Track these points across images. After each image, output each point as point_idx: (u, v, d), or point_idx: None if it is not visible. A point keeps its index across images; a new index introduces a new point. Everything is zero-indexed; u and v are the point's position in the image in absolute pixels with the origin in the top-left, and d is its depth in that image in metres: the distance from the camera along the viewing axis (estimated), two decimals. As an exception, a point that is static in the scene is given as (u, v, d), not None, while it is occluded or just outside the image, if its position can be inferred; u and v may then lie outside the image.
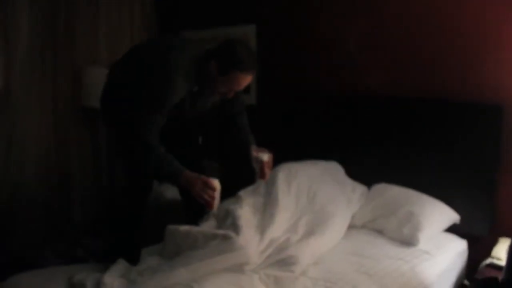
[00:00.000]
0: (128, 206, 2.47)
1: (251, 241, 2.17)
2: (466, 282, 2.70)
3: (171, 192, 3.43)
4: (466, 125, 2.75)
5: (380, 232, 2.72)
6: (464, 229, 2.75)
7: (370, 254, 2.41)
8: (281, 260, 2.15)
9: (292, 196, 2.62)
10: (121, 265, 2.17)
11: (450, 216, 2.73)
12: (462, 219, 2.74)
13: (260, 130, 3.61)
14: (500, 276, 2.03)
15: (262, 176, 2.48)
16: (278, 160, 3.04)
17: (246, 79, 2.23)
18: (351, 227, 2.81)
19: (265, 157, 2.47)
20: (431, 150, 2.87)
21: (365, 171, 3.12)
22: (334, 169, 3.10)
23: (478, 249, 2.69)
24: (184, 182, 2.16)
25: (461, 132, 2.76)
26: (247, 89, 3.71)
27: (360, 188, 3.01)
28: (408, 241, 2.55)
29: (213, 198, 2.14)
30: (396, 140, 3.01)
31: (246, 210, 2.40)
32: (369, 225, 2.80)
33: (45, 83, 3.62)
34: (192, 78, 2.22)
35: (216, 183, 2.16)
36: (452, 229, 2.75)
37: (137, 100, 2.19)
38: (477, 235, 2.74)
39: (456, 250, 2.64)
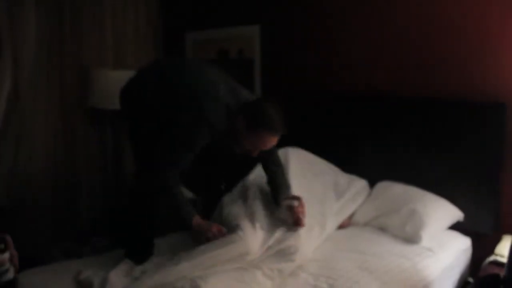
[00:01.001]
0: (140, 205, 2.43)
1: (251, 233, 2.20)
2: (470, 279, 2.70)
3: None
4: (470, 124, 2.75)
5: (383, 229, 2.73)
6: (468, 226, 2.75)
7: (372, 251, 2.43)
8: (281, 250, 2.18)
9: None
10: (126, 263, 2.19)
11: (454, 213, 2.73)
12: (466, 217, 2.75)
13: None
14: (502, 273, 2.03)
15: (298, 223, 2.31)
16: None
17: (272, 140, 2.18)
18: (354, 224, 2.84)
19: (295, 202, 2.37)
20: (435, 149, 2.88)
21: (369, 169, 3.13)
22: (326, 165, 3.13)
23: (482, 246, 2.69)
24: (196, 228, 2.17)
25: (465, 131, 2.76)
26: (251, 89, 3.76)
27: (359, 182, 3.02)
28: (411, 239, 2.56)
29: None
30: (400, 139, 3.02)
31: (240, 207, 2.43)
32: (372, 223, 2.81)
33: (52, 85, 3.66)
34: (219, 129, 2.18)
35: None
36: (456, 227, 2.75)
37: (165, 137, 2.21)
38: (481, 232, 2.73)
39: (459, 247, 2.65)
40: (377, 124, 3.12)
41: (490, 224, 2.71)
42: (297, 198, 2.38)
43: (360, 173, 3.13)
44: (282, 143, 3.38)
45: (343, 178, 3.04)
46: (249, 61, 3.80)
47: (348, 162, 3.19)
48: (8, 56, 3.39)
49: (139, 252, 2.25)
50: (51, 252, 3.42)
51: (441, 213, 2.69)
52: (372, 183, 3.08)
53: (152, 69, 2.45)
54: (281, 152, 2.91)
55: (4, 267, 1.63)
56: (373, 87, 3.18)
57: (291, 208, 2.33)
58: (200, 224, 2.18)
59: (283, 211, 2.38)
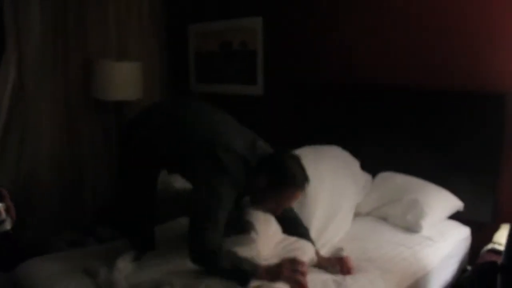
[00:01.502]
0: (134, 203, 2.32)
1: (265, 237, 2.18)
2: (469, 267, 2.74)
3: (180, 182, 3.48)
4: (470, 114, 2.76)
5: (384, 219, 2.77)
6: (468, 216, 2.78)
7: (373, 240, 2.47)
8: (290, 250, 2.18)
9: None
10: (133, 251, 2.22)
11: (454, 203, 2.76)
12: (465, 206, 2.77)
13: (267, 121, 3.72)
14: (499, 260, 2.06)
15: (349, 272, 2.12)
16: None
17: (297, 196, 2.07)
18: (356, 215, 2.86)
19: (343, 252, 2.23)
20: (436, 139, 2.90)
21: (370, 160, 3.15)
22: (347, 158, 3.11)
23: (481, 235, 2.72)
24: (268, 277, 1.87)
25: (464, 121, 2.78)
26: (253, 81, 3.79)
27: (363, 178, 3.03)
28: (412, 228, 2.59)
29: (305, 274, 1.88)
30: (401, 130, 3.04)
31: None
32: (374, 213, 2.85)
33: (56, 76, 3.68)
34: (239, 183, 2.01)
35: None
36: (456, 216, 2.78)
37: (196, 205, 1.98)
38: (480, 222, 2.76)
39: (459, 236, 2.68)
40: (378, 115, 3.14)
41: (489, 213, 2.73)
42: (341, 249, 2.27)
43: (361, 164, 3.14)
44: (285, 134, 3.45)
45: (354, 176, 3.03)
46: (251, 52, 3.83)
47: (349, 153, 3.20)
48: (13, 48, 3.42)
49: (140, 244, 2.27)
50: (56, 243, 3.46)
51: (441, 203, 2.72)
52: (372, 173, 3.11)
53: (159, 111, 2.30)
54: (312, 150, 2.90)
55: None
56: (374, 79, 3.19)
57: (340, 260, 2.17)
58: (270, 271, 1.89)
59: (330, 265, 2.20)
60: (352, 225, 2.71)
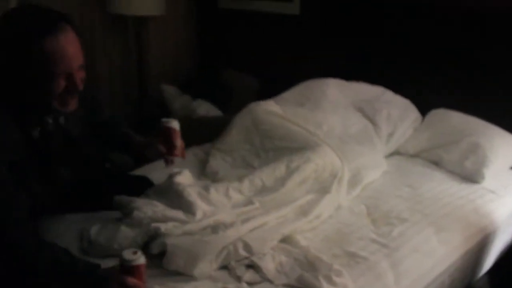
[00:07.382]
0: None
1: None
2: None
3: (203, 109, 3.26)
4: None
5: (436, 164, 2.41)
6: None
7: (425, 189, 2.13)
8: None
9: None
10: None
11: (522, 151, 2.38)
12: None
13: (304, 43, 3.30)
14: None
15: (172, 151, 1.68)
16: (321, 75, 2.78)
17: (68, 44, 1.36)
18: (400, 154, 2.53)
19: (176, 124, 1.68)
20: (503, 73, 2.46)
21: (420, 95, 2.73)
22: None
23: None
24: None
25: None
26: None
27: (410, 117, 2.63)
28: (471, 177, 2.24)
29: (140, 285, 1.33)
30: (459, 61, 2.59)
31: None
32: (423, 155, 2.49)
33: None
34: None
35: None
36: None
37: None
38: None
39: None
40: (431, 41, 2.68)
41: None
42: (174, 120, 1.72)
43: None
44: (322, 59, 3.03)
45: (396, 107, 2.65)
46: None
47: (393, 85, 2.79)
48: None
49: None
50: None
51: (508, 149, 2.34)
52: (423, 111, 2.69)
53: None
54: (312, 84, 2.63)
55: None
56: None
57: (167, 130, 1.67)
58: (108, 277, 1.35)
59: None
60: (398, 165, 2.38)
